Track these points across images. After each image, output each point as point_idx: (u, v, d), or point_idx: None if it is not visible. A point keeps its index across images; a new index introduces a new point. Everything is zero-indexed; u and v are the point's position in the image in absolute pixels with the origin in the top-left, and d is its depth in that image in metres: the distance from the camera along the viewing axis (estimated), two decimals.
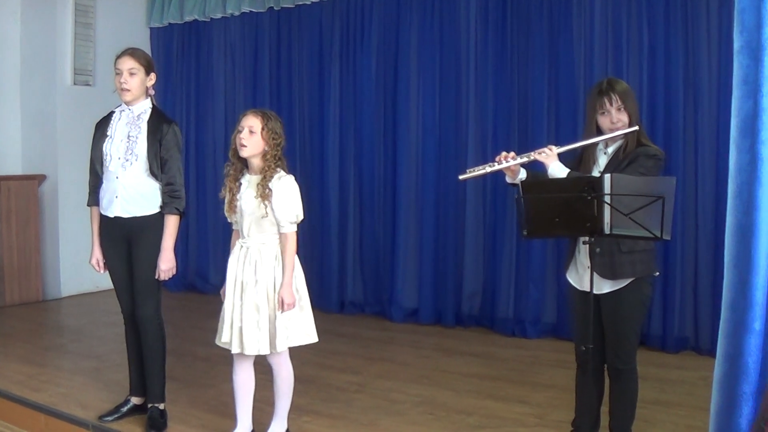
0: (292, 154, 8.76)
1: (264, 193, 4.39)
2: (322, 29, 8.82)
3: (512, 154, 4.37)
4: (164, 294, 5.18)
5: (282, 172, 4.48)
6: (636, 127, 4.14)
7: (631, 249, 4.09)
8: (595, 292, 4.08)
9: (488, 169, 4.34)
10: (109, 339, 7.24)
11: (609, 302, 4.18)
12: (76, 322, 8.28)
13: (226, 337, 4.51)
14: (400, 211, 8.22)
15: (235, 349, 4.47)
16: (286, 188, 4.44)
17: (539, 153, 4.32)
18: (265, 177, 4.42)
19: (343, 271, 8.69)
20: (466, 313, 7.91)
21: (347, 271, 8.68)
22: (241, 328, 4.44)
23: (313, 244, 8.75)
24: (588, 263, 4.09)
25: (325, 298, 8.53)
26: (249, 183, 4.50)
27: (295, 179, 4.55)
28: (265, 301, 4.42)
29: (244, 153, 4.44)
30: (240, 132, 4.44)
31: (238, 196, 4.51)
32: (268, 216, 4.42)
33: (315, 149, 8.87)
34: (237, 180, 4.55)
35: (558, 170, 4.20)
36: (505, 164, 4.32)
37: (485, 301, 7.83)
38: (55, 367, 6.52)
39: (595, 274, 4.03)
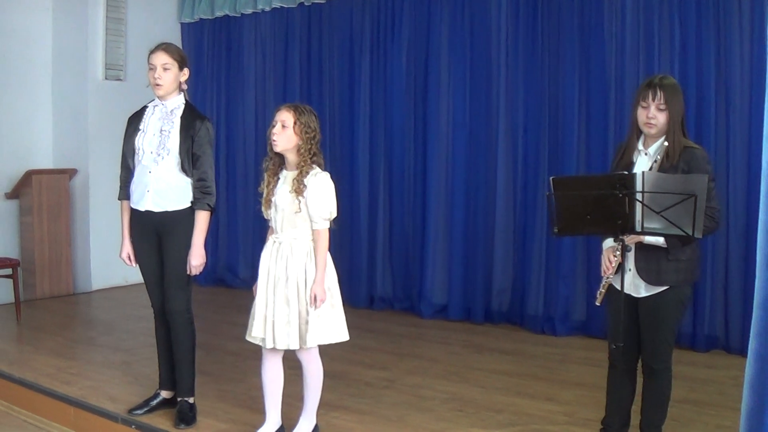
0: (322, 148, 8.70)
1: (299, 188, 4.40)
2: (353, 24, 8.83)
3: (608, 263, 4.19)
4: (194, 288, 5.21)
5: (318, 169, 4.48)
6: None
7: (677, 257, 4.06)
8: (634, 294, 4.09)
9: (608, 280, 4.24)
10: (138, 333, 7.30)
11: (648, 304, 4.15)
12: (106, 316, 8.36)
13: (256, 331, 4.52)
14: (430, 206, 8.22)
15: (268, 344, 4.48)
16: (322, 185, 4.45)
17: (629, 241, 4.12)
18: (300, 172, 4.43)
19: (372, 266, 8.71)
20: (496, 310, 7.90)
21: (377, 267, 8.69)
22: (273, 323, 4.46)
23: (343, 239, 8.76)
24: (630, 265, 4.09)
25: (354, 294, 8.54)
26: (285, 179, 4.53)
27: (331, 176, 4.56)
28: (296, 297, 4.43)
29: (277, 148, 4.46)
30: (273, 126, 4.47)
31: (274, 191, 4.53)
32: (301, 212, 4.42)
33: (345, 144, 8.89)
34: (276, 175, 4.57)
35: (653, 239, 4.09)
36: (611, 271, 4.21)
37: (515, 298, 7.82)
38: (85, 361, 6.60)
39: (636, 276, 4.05)
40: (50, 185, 9.11)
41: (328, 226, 4.50)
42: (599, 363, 4.43)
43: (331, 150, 8.94)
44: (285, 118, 4.45)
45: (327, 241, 4.49)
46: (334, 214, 4.52)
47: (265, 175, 4.61)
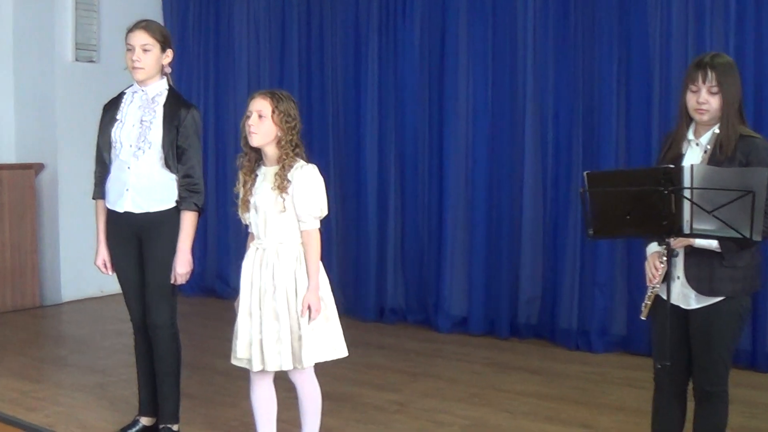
0: (324, 142, 8.83)
1: (282, 184, 4.37)
2: None
3: (654, 271, 4.19)
4: (179, 299, 5.24)
5: (302, 162, 4.45)
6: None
7: (733, 263, 4.01)
8: (683, 306, 4.09)
9: (654, 290, 4.25)
10: (116, 350, 7.33)
11: (700, 317, 4.10)
12: (78, 331, 8.38)
13: (241, 352, 4.49)
14: (447, 205, 8.22)
15: (255, 366, 4.45)
16: (309, 178, 4.42)
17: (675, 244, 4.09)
18: (283, 167, 4.40)
19: (382, 273, 8.70)
20: (523, 323, 7.91)
21: (387, 274, 8.69)
22: (261, 341, 4.44)
23: (349, 243, 8.80)
24: (679, 273, 4.09)
25: (361, 305, 8.57)
26: (265, 176, 4.50)
27: (325, 171, 4.53)
28: (286, 310, 4.39)
29: (255, 141, 4.43)
30: (248, 117, 4.45)
31: (252, 191, 4.52)
32: (286, 211, 4.39)
33: (350, 136, 8.87)
34: (252, 172, 4.56)
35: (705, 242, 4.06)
36: (659, 279, 4.21)
37: (545, 309, 7.82)
38: (54, 383, 6.60)
39: (685, 286, 4.04)
40: (12, 182, 9.11)
41: (318, 225, 4.49)
42: (643, 384, 4.43)
43: (334, 143, 8.97)
44: (261, 107, 4.41)
45: (318, 243, 4.48)
46: (325, 212, 4.50)
47: (240, 174, 4.59)
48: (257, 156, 4.55)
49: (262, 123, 4.40)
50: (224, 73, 9.99)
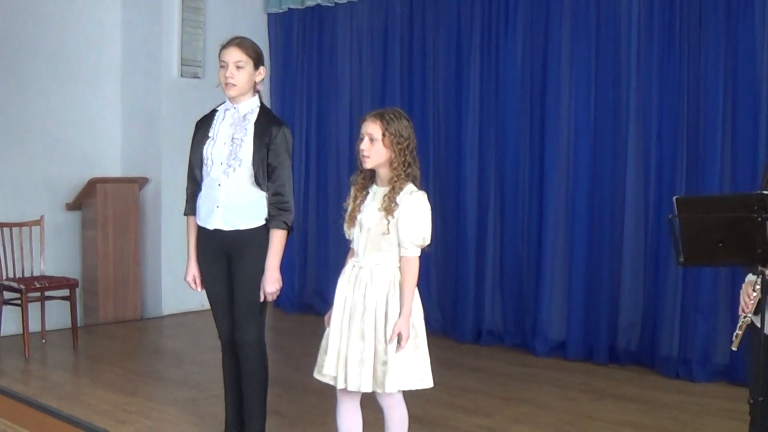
0: (425, 158, 8.76)
1: (389, 206, 4.33)
2: (461, 15, 8.79)
3: (747, 299, 4.12)
4: (277, 316, 5.26)
5: (413, 186, 4.40)
6: None
7: None
8: None
9: (746, 320, 4.15)
10: (211, 365, 7.32)
11: None
12: (176, 345, 8.51)
13: (328, 368, 4.46)
14: (547, 226, 8.13)
15: (339, 384, 4.43)
16: (416, 205, 4.38)
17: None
18: (393, 189, 4.38)
19: (480, 294, 8.63)
20: (622, 349, 7.75)
21: (485, 296, 8.62)
22: (347, 359, 4.41)
23: (448, 263, 8.75)
24: None
25: (459, 326, 8.51)
26: (375, 195, 4.49)
27: (424, 189, 4.46)
28: (372, 332, 4.36)
29: (367, 164, 4.41)
30: (361, 141, 4.45)
31: (360, 208, 4.52)
32: (389, 234, 4.37)
33: (451, 154, 8.85)
34: (364, 189, 4.54)
35: None
36: (751, 309, 4.11)
37: (644, 336, 7.66)
38: (146, 396, 6.68)
39: None
40: (117, 195, 9.27)
41: (419, 253, 4.45)
42: (745, 417, 4.27)
43: (435, 161, 8.94)
44: (372, 130, 4.38)
45: (416, 271, 4.41)
46: (428, 241, 4.43)
47: (352, 189, 4.56)
48: (371, 174, 4.54)
49: (373, 146, 4.38)
50: (327, 90, 10.06)
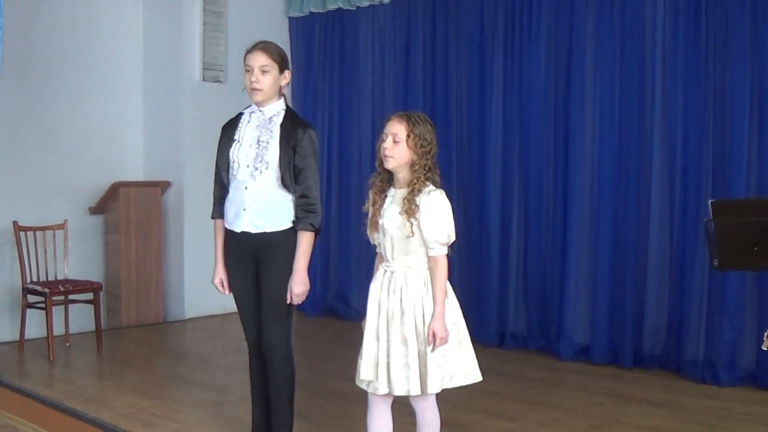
0: (448, 162, 8.75)
1: (410, 208, 4.33)
2: (484, 18, 8.76)
3: None
4: (300, 319, 5.25)
5: (431, 186, 4.41)
6: None
7: None
8: None
9: None
10: (235, 369, 7.36)
11: None
12: (199, 349, 8.53)
13: (365, 374, 4.46)
14: (571, 229, 8.09)
15: (381, 389, 4.41)
16: (436, 204, 4.38)
17: None
18: (412, 191, 4.37)
19: (503, 297, 8.61)
20: (647, 353, 7.70)
21: (509, 298, 8.58)
22: (388, 365, 4.40)
23: (470, 266, 8.72)
24: None
25: (482, 329, 8.44)
26: (393, 198, 4.48)
27: (448, 194, 4.47)
28: (413, 334, 4.36)
29: (390, 164, 4.41)
30: (384, 140, 4.44)
31: (381, 212, 4.50)
32: (414, 236, 4.37)
33: (474, 158, 8.84)
34: (382, 192, 4.54)
35: None
36: None
37: (670, 340, 7.61)
38: (172, 400, 6.69)
39: None
40: (140, 199, 9.31)
41: (446, 252, 4.44)
42: None
43: (458, 166, 8.94)
44: (397, 130, 4.39)
45: (445, 270, 4.40)
46: (453, 238, 4.42)
47: (371, 193, 4.56)
48: (389, 176, 4.53)
49: (396, 147, 4.39)
50: (348, 93, 10.07)
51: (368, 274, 9.07)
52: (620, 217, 7.87)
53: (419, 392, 4.37)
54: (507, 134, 8.62)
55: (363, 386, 4.53)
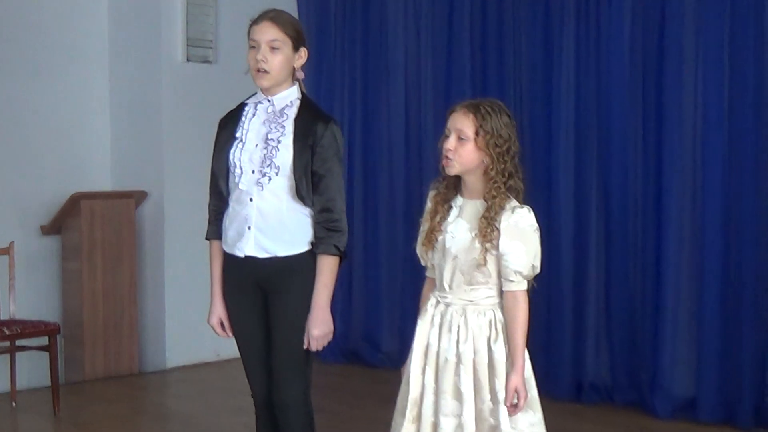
0: None
1: (487, 231, 4.28)
2: None
3: None
4: (315, 368, 5.21)
5: (514, 202, 4.34)
6: None
7: None
8: None
9: None
10: None
11: None
12: (185, 407, 8.59)
13: None
14: (667, 250, 8.02)
15: None
16: (522, 225, 4.31)
17: None
18: (491, 207, 4.31)
19: (580, 340, 8.56)
20: None
21: (586, 341, 8.54)
22: (435, 425, 4.35)
23: (537, 300, 8.66)
24: None
25: (552, 379, 8.37)
26: (462, 210, 4.44)
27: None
28: (471, 389, 4.31)
29: (453, 170, 4.37)
30: (446, 138, 4.37)
31: (443, 226, 4.44)
32: (486, 265, 4.32)
33: (538, 156, 8.73)
34: (447, 202, 4.49)
35: None
36: None
37: None
38: None
39: None
40: (107, 215, 9.29)
41: (527, 287, 4.37)
42: None
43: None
44: (462, 125, 4.33)
45: (527, 309, 4.39)
46: (537, 270, 4.38)
47: (430, 201, 4.50)
48: (457, 182, 4.49)
49: (462, 147, 4.33)
50: (375, 77, 10.02)
51: (403, 310, 9.06)
52: (732, 233, 7.79)
53: None
54: (580, 129, 8.58)
55: None
